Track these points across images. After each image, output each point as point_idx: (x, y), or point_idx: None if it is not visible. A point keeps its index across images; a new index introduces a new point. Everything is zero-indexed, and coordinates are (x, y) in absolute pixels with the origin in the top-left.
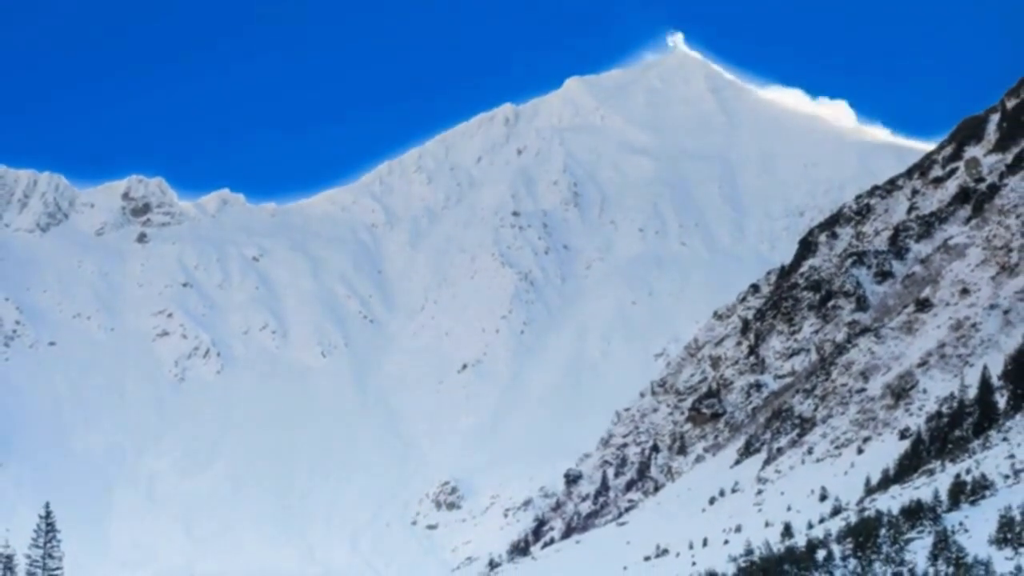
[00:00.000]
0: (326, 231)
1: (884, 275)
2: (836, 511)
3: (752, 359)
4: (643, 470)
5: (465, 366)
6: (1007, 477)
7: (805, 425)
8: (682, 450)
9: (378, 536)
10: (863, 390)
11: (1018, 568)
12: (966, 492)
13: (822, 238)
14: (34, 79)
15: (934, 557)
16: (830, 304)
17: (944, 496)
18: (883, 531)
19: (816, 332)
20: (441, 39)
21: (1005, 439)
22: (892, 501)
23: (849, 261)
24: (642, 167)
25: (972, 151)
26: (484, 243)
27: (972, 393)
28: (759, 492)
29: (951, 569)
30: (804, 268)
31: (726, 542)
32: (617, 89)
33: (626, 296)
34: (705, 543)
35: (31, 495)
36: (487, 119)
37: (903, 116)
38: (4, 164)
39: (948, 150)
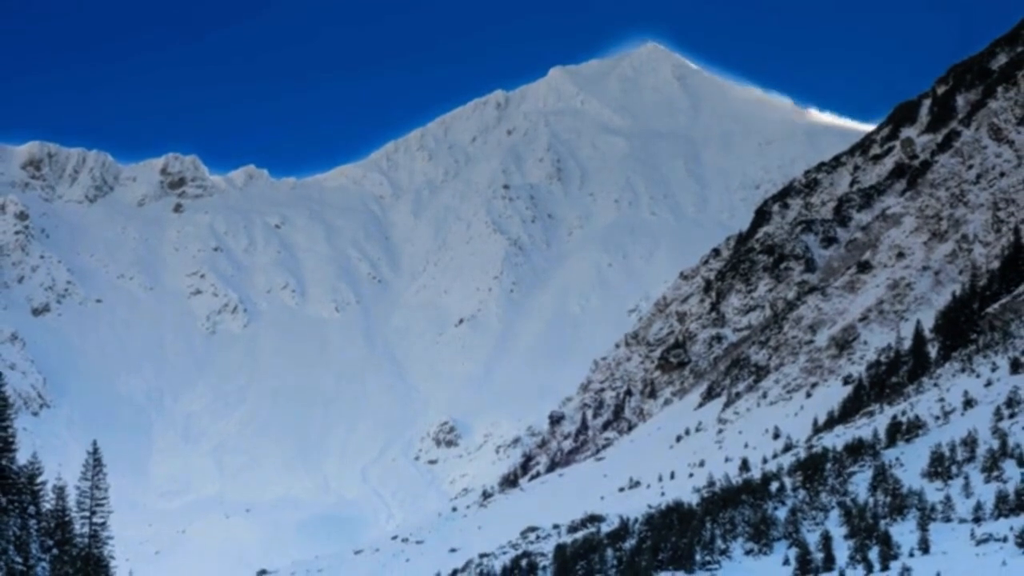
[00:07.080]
0: (340, 202)
1: (829, 240)
2: (787, 448)
3: (714, 314)
4: (618, 412)
5: (461, 320)
6: (937, 418)
7: (760, 372)
8: (652, 394)
9: (385, 470)
10: (811, 342)
11: (947, 498)
12: (902, 431)
13: (775, 208)
14: (84, 68)
15: (873, 488)
16: (782, 266)
17: (882, 435)
18: (829, 465)
19: (770, 291)
20: (441, 35)
21: (936, 385)
22: (837, 439)
23: (799, 228)
24: (617, 146)
25: (907, 132)
26: (478, 213)
27: (907, 345)
28: (720, 431)
29: (888, 499)
30: (759, 234)
31: (691, 475)
32: (595, 77)
33: (603, 259)
34: (672, 476)
35: (80, 434)
36: (481, 104)
37: (844, 102)
38: (57, 144)
39: (885, 131)
